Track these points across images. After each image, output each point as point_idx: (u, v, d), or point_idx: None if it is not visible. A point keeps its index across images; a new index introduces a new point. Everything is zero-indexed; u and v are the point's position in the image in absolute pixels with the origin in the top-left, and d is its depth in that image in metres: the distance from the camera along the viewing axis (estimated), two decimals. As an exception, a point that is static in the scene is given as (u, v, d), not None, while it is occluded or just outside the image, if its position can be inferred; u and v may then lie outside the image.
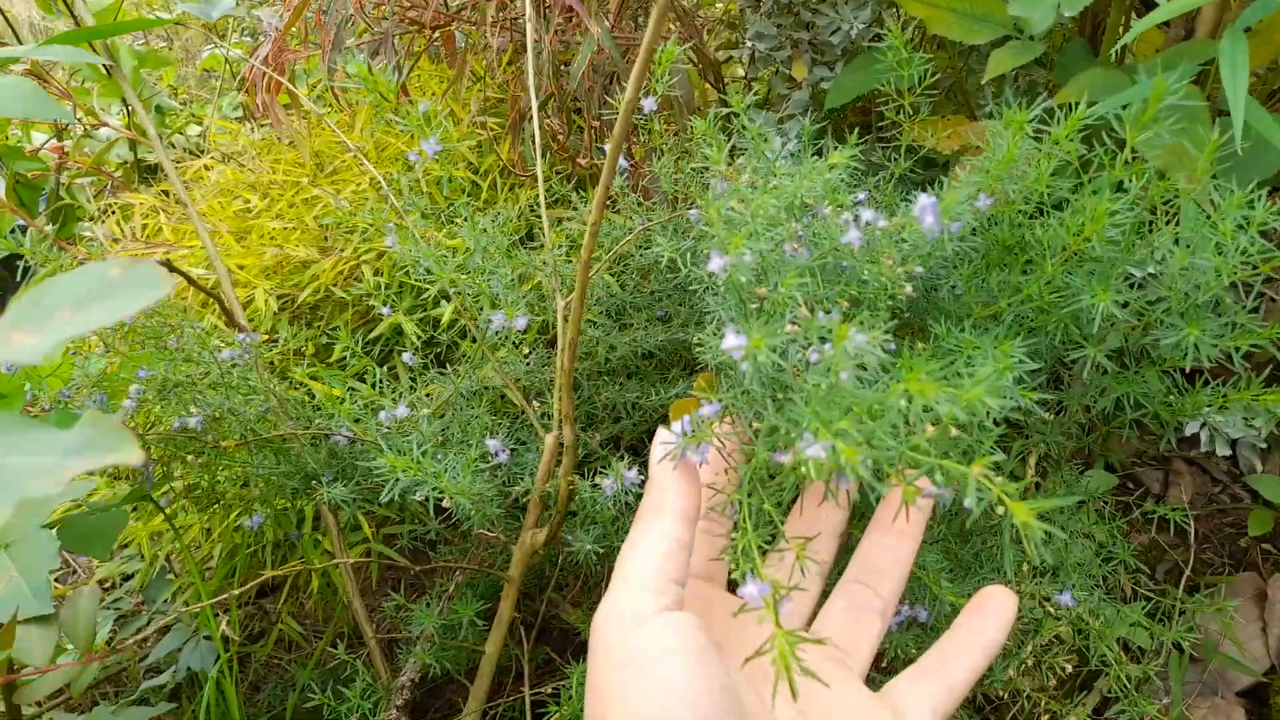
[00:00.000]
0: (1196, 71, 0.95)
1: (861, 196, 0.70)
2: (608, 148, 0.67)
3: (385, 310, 0.76)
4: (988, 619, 0.53)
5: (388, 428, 0.70)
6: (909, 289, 0.67)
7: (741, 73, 1.50)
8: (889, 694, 0.53)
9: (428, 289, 0.98)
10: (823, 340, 0.68)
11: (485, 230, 0.88)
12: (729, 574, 0.58)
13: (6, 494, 0.23)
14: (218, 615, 0.98)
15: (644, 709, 0.43)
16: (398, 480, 0.60)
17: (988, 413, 0.49)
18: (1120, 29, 1.15)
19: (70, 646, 0.78)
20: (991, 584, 0.57)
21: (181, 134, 2.12)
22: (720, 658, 0.46)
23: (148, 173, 1.74)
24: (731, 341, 0.50)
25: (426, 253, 0.70)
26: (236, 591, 0.76)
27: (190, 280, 0.81)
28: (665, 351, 0.95)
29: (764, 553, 0.52)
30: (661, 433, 0.54)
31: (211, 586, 1.00)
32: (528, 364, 0.87)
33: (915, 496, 0.47)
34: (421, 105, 0.67)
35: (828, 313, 0.71)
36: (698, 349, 0.68)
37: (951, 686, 0.52)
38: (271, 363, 1.00)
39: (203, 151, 1.70)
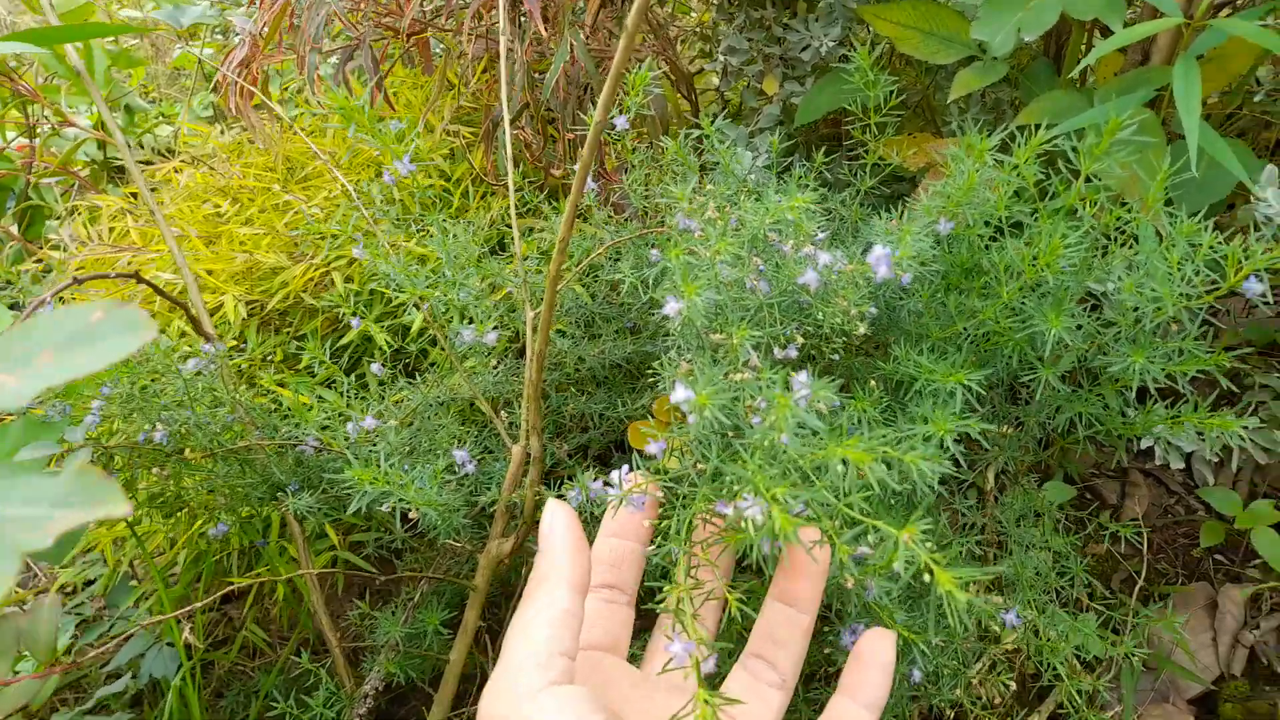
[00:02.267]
0: (1151, 97, 0.98)
1: (820, 236, 0.72)
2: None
3: (354, 322, 0.77)
4: (869, 673, 0.54)
5: (355, 438, 0.70)
6: (862, 328, 0.69)
7: (715, 83, 1.52)
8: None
9: (398, 296, 0.99)
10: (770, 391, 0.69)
11: (456, 238, 0.88)
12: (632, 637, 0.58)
13: (6, 550, 0.24)
14: (180, 623, 0.98)
15: None
16: (365, 492, 0.61)
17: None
18: (1081, 50, 1.17)
19: (27, 654, 0.77)
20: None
21: (152, 134, 2.10)
22: None
23: (116, 173, 1.72)
24: (680, 395, 0.52)
25: (396, 266, 0.71)
26: (200, 604, 0.76)
27: (157, 290, 0.81)
28: (633, 363, 0.96)
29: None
30: (551, 504, 0.54)
31: (176, 593, 0.99)
32: (496, 374, 0.88)
33: (848, 553, 0.48)
34: (393, 124, 0.68)
35: (784, 347, 0.72)
36: (654, 375, 0.69)
37: None
38: (240, 369, 1.00)
39: (173, 153, 1.68)
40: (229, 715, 1.09)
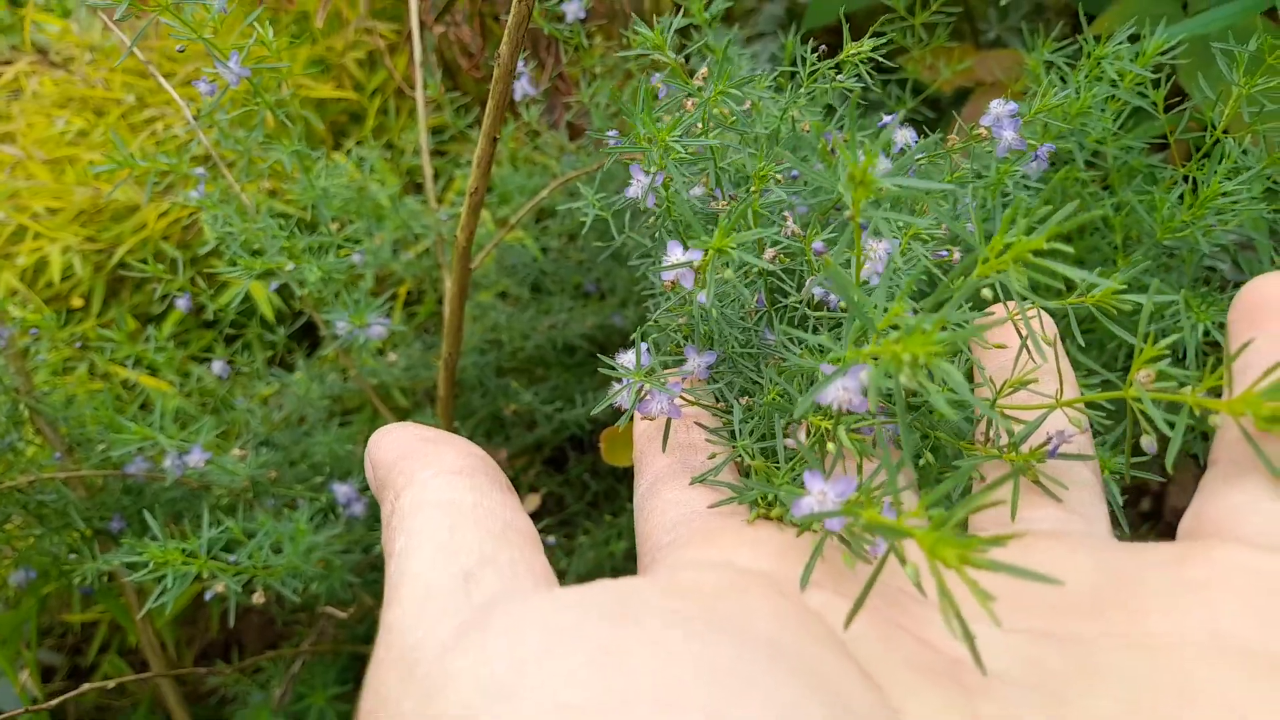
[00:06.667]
0: (1270, 4, 0.75)
1: (890, 118, 0.50)
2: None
3: (181, 302, 0.53)
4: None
5: (183, 474, 0.49)
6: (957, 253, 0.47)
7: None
8: (1206, 517, 0.31)
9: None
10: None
11: (368, 169, 0.66)
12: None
13: None
14: (18, 659, 0.77)
15: None
16: (165, 586, 0.39)
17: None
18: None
19: None
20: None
21: (45, 33, 1.80)
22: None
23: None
24: (678, 256, 0.36)
25: (237, 221, 0.48)
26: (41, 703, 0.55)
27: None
28: (596, 340, 0.74)
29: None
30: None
31: (10, 620, 0.78)
32: (408, 358, 0.65)
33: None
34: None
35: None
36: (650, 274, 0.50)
37: None
38: (84, 340, 0.77)
39: (49, 54, 1.40)
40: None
